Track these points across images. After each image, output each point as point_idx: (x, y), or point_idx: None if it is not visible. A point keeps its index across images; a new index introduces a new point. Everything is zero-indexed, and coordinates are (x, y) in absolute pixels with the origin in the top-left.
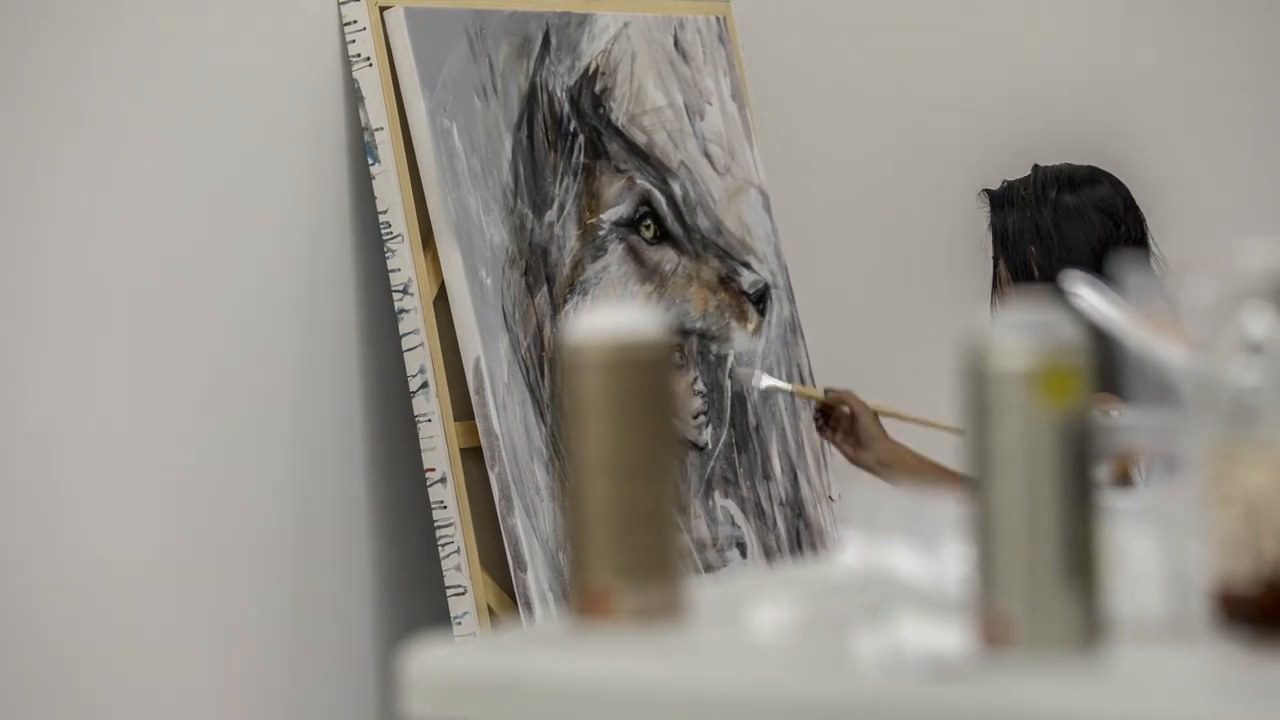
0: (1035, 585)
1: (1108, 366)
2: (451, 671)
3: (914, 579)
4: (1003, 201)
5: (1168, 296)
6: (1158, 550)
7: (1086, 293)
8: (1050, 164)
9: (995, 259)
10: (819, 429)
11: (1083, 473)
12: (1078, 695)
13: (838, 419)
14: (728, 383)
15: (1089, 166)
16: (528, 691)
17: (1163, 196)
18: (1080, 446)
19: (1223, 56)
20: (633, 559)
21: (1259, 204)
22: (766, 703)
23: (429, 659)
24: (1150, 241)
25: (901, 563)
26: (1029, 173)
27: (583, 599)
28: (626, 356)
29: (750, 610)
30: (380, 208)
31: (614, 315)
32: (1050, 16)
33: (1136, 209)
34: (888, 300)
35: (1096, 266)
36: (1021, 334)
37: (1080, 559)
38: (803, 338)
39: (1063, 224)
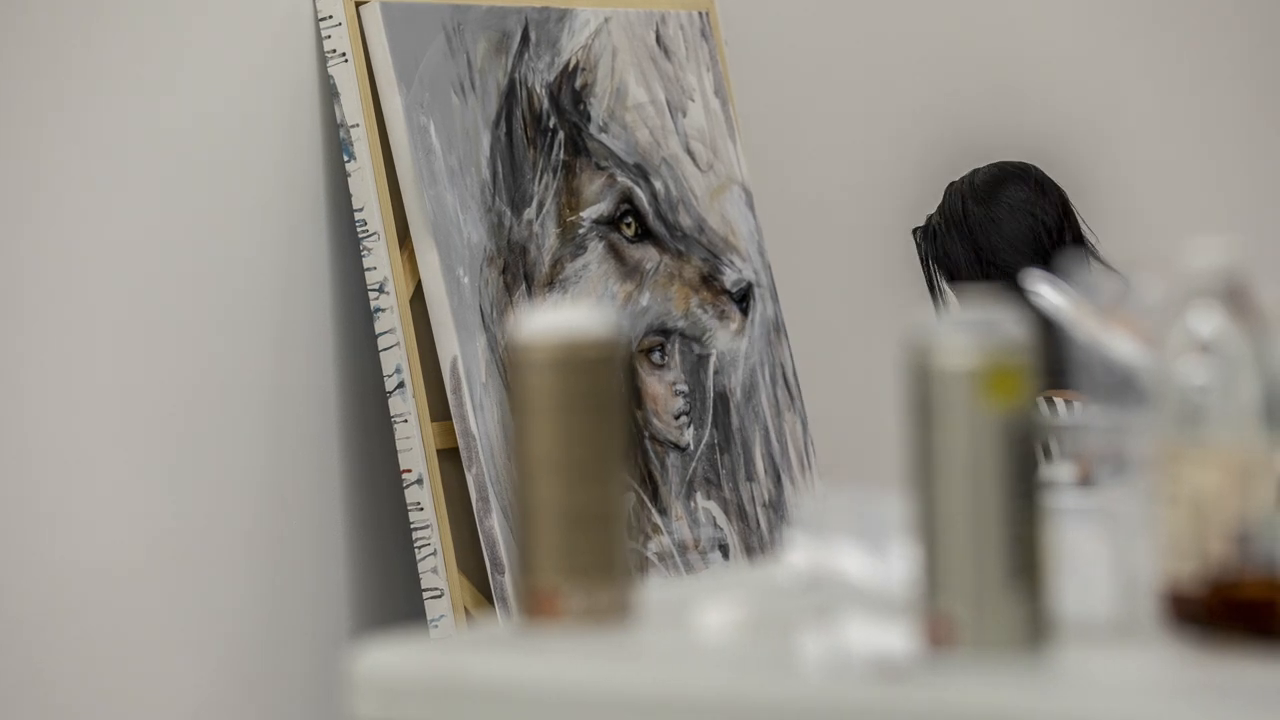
0: (979, 586)
1: (1060, 359)
2: (398, 672)
3: (860, 580)
4: (928, 235)
5: (1119, 293)
6: (1107, 551)
7: (1044, 290)
8: (959, 176)
9: (937, 289)
10: None
11: (1027, 473)
12: (1020, 695)
13: None
14: (710, 383)
15: (994, 168)
16: (473, 693)
17: (1133, 193)
18: (1025, 446)
19: (1200, 54)
20: (580, 560)
21: (1216, 200)
22: (711, 704)
23: (375, 660)
24: (1077, 220)
25: (848, 564)
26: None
27: (530, 600)
28: (573, 355)
29: (697, 611)
30: (356, 205)
31: (561, 314)
32: (1037, 14)
33: (1063, 198)
34: (873, 299)
35: (1037, 260)
36: (965, 333)
37: (1025, 559)
38: (786, 337)
39: (990, 235)
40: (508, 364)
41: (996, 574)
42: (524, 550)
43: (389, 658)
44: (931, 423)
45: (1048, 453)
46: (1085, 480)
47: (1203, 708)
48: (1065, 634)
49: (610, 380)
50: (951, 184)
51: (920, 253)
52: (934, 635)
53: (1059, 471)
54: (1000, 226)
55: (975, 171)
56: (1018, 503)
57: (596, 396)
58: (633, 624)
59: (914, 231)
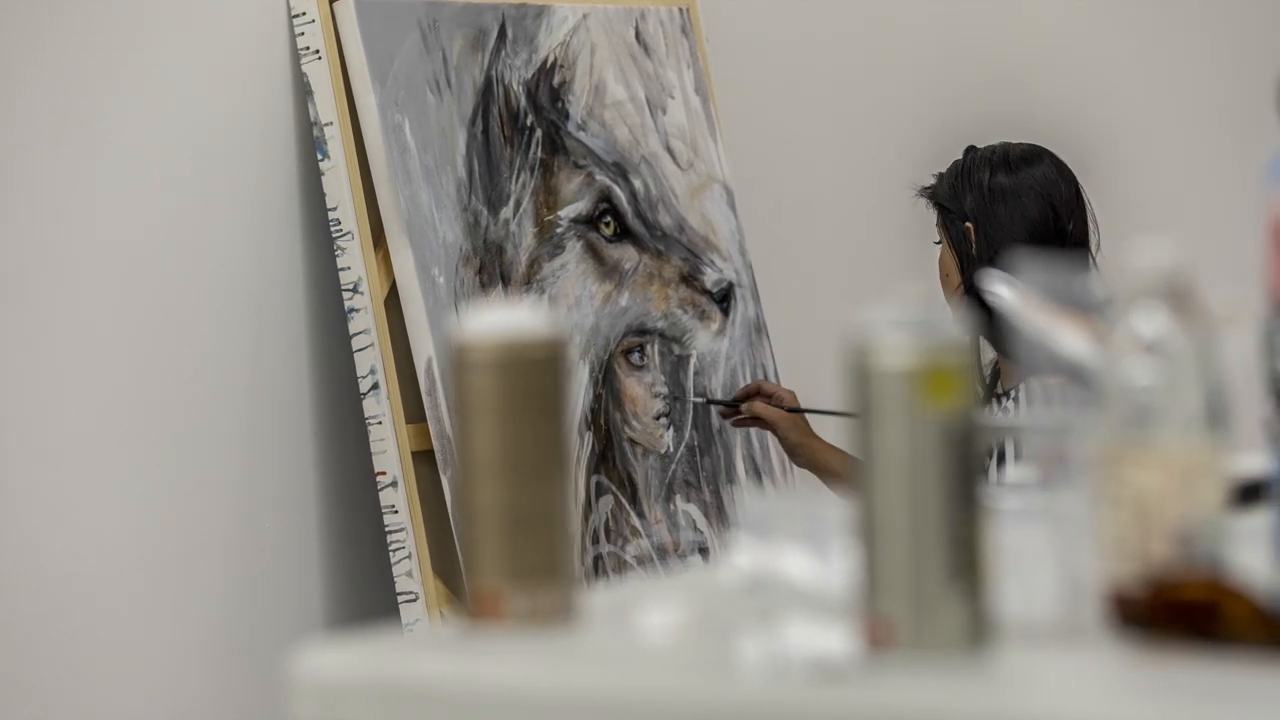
0: (918, 587)
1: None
2: (338, 674)
3: (802, 582)
4: (935, 194)
5: (1093, 292)
6: (1050, 552)
7: (1002, 290)
8: (987, 145)
9: (941, 250)
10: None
11: (966, 474)
12: (958, 697)
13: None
14: (690, 384)
15: (1028, 145)
16: (414, 695)
17: (1135, 188)
18: (964, 447)
19: (1199, 48)
20: (523, 561)
21: (1215, 193)
22: (650, 706)
23: (316, 661)
24: (1091, 226)
25: (790, 566)
26: (960, 158)
27: (473, 601)
28: (516, 356)
29: (640, 614)
30: (330, 205)
31: (504, 314)
32: (1024, 8)
33: (1079, 191)
34: (855, 300)
35: (1032, 243)
36: (904, 333)
37: (964, 560)
38: (768, 338)
39: (997, 206)
40: (452, 364)
41: (936, 575)
42: (467, 552)
43: (329, 659)
44: (871, 423)
45: (1002, 455)
46: (1047, 481)
47: (1141, 708)
48: (1007, 635)
49: (553, 381)
50: (976, 148)
51: (942, 215)
52: (873, 636)
53: (1018, 472)
54: (1020, 199)
55: (1008, 144)
56: (957, 503)
57: (540, 397)
58: (576, 626)
59: (925, 190)
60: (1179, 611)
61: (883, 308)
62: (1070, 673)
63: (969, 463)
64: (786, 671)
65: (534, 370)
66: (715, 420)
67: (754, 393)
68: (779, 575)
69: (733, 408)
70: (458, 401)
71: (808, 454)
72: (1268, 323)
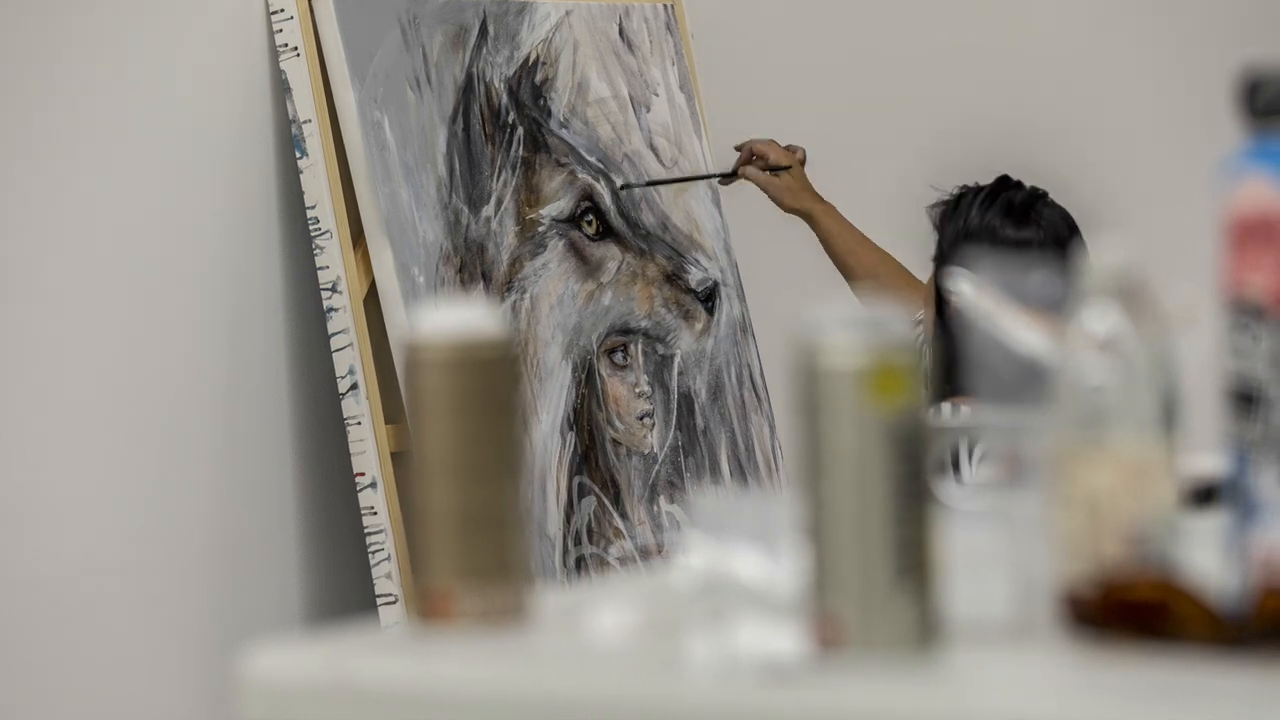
0: (866, 586)
1: (959, 366)
2: (286, 674)
3: (752, 582)
4: (942, 214)
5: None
6: (1004, 552)
7: (964, 288)
8: (1018, 179)
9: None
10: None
11: (914, 473)
12: (906, 696)
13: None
14: (674, 384)
15: (1036, 198)
16: (363, 695)
17: (1113, 188)
18: (912, 446)
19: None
20: (473, 561)
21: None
22: (600, 706)
23: (264, 661)
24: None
25: (740, 565)
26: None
27: (424, 601)
28: (467, 355)
29: (591, 614)
30: (308, 203)
31: (456, 313)
32: (1015, 12)
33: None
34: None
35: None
36: (852, 332)
37: (913, 560)
38: (753, 337)
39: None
40: (405, 364)
41: (884, 574)
42: (418, 551)
43: (278, 659)
44: (819, 422)
45: (955, 460)
46: (1005, 481)
47: (1091, 707)
48: (959, 635)
49: (504, 380)
50: (1009, 179)
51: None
52: (823, 636)
53: (980, 474)
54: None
55: (1030, 188)
56: (905, 502)
57: (492, 397)
58: (527, 626)
59: (937, 207)
60: (1130, 611)
61: (831, 307)
62: (1020, 672)
63: (917, 462)
64: (736, 672)
65: (486, 370)
66: (700, 420)
67: (746, 158)
68: (730, 575)
69: (731, 177)
70: (410, 401)
71: (798, 206)
72: (1224, 322)
